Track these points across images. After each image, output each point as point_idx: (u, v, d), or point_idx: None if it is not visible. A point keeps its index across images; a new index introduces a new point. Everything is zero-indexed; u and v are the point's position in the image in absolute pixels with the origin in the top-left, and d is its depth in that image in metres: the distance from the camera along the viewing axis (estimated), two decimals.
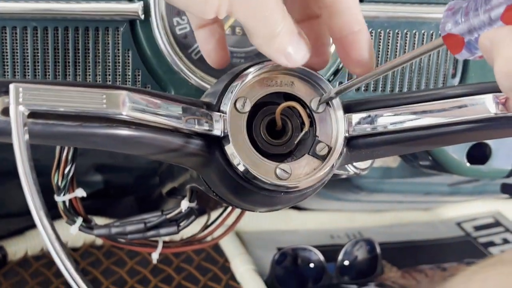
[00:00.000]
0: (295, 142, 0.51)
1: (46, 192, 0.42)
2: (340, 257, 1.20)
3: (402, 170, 1.11)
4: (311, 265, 1.19)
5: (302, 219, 1.39)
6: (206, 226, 0.80)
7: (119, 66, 0.67)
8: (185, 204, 0.70)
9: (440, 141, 0.54)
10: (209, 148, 0.49)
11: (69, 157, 0.66)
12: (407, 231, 1.40)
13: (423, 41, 0.72)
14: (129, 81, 0.67)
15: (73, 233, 0.70)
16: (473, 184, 1.15)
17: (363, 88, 0.73)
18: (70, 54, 0.65)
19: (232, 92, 0.49)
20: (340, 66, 0.71)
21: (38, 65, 0.65)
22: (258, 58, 0.68)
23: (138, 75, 0.67)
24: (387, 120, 0.51)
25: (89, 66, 0.66)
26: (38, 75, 0.65)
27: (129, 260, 1.18)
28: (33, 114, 0.41)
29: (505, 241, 1.39)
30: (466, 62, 0.75)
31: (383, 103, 0.52)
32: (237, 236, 1.29)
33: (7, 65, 0.64)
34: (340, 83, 0.72)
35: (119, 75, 0.67)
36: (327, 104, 0.52)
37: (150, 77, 0.67)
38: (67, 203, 0.69)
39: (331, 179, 0.54)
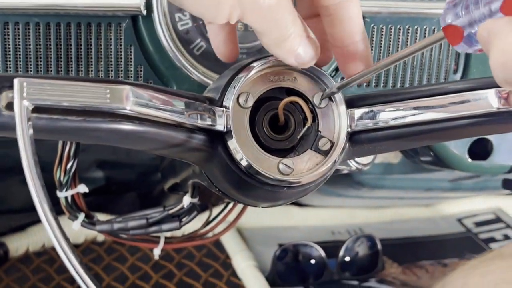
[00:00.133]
0: (298, 137, 0.51)
1: (48, 189, 0.42)
2: (341, 253, 1.20)
3: (403, 166, 1.11)
4: (312, 261, 1.19)
5: (303, 215, 1.39)
6: (207, 222, 0.80)
7: (121, 61, 0.67)
8: (187, 200, 0.70)
9: (442, 136, 0.54)
10: (211, 143, 0.49)
11: (72, 153, 0.66)
12: (408, 227, 1.41)
13: (425, 36, 0.72)
14: (131, 77, 0.67)
15: (75, 228, 0.70)
16: (474, 180, 1.15)
17: (365, 84, 0.73)
18: (73, 50, 0.65)
19: (234, 87, 0.49)
20: None
21: (40, 61, 0.65)
22: (260, 53, 0.68)
23: (141, 71, 0.67)
24: (389, 115, 0.51)
25: (91, 62, 0.66)
26: (41, 71, 0.65)
27: (130, 256, 1.19)
28: (37, 109, 0.41)
29: (506, 237, 1.39)
30: (468, 58, 0.75)
31: (385, 98, 0.52)
32: (238, 233, 1.29)
33: (10, 61, 0.64)
34: (342, 78, 0.71)
35: (121, 71, 0.67)
36: (330, 99, 0.52)
37: (152, 72, 0.67)
38: (69, 199, 0.69)
39: (333, 175, 0.54)
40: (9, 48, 0.64)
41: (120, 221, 0.72)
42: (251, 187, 0.50)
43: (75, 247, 1.18)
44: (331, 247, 1.21)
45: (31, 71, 0.65)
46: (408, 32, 0.72)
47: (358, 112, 0.52)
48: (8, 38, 0.64)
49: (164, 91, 0.47)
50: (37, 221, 1.16)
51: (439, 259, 1.29)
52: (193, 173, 0.61)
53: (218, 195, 0.58)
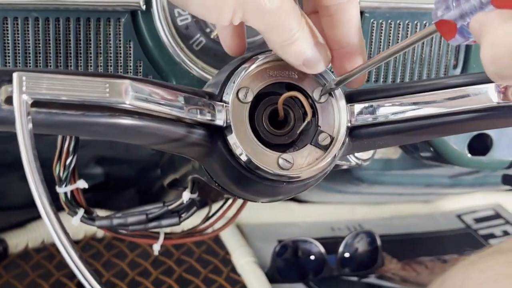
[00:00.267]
0: (297, 132, 0.51)
1: (48, 185, 0.42)
2: (340, 249, 1.20)
3: (403, 162, 1.11)
4: (312, 257, 1.19)
5: (302, 211, 1.39)
6: (207, 218, 0.80)
7: (120, 57, 0.66)
8: (186, 195, 0.70)
9: (442, 131, 0.54)
10: (211, 138, 0.49)
11: (71, 148, 0.66)
12: (407, 223, 1.41)
13: None
14: (130, 72, 0.67)
15: (75, 224, 0.70)
16: (474, 176, 1.15)
17: None
18: (72, 45, 0.65)
19: (234, 82, 0.49)
20: None
21: (39, 56, 0.65)
22: (260, 48, 0.68)
23: (140, 66, 0.67)
24: (389, 110, 0.51)
25: (90, 57, 0.66)
26: (40, 66, 0.65)
27: (130, 253, 1.19)
28: (36, 103, 0.41)
29: (506, 233, 1.39)
30: (467, 53, 0.75)
31: (385, 93, 0.52)
32: (238, 229, 1.29)
33: (9, 56, 0.64)
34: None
35: (121, 66, 0.67)
36: (329, 94, 0.52)
37: (152, 68, 0.67)
38: (68, 195, 0.69)
39: (332, 171, 0.54)
40: (8, 43, 0.64)
41: (119, 216, 0.72)
42: (250, 182, 0.50)
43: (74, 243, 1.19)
44: (331, 243, 1.21)
45: (30, 66, 0.65)
46: (408, 27, 0.72)
47: (358, 107, 0.52)
48: (7, 33, 0.64)
49: (163, 86, 0.47)
50: (37, 217, 1.16)
51: (438, 255, 1.30)
52: (193, 168, 0.61)
53: (218, 191, 0.58)
